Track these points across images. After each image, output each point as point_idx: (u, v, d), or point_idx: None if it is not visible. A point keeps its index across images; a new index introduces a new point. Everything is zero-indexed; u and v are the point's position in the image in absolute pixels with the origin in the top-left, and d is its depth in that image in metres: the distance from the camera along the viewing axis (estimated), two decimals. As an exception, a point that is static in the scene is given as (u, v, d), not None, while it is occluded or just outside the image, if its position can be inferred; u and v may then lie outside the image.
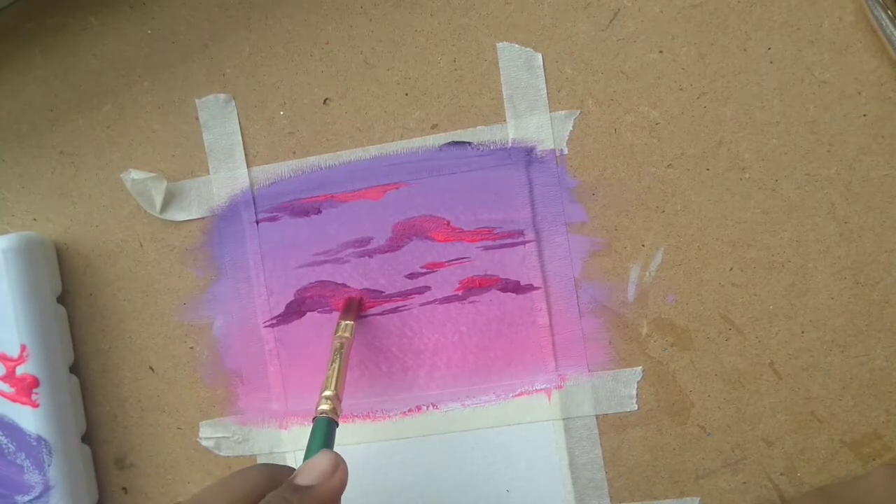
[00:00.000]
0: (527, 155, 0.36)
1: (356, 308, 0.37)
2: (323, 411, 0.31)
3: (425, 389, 0.37)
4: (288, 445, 0.39)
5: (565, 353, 0.36)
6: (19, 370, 0.37)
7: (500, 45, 0.36)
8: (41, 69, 0.40)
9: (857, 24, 0.33)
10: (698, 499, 0.36)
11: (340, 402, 0.31)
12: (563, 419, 0.36)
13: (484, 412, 0.37)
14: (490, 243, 0.36)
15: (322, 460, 0.28)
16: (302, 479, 0.27)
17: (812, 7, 0.33)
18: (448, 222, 0.37)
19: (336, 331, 0.35)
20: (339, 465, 0.28)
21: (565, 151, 0.36)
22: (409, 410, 0.38)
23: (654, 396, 0.36)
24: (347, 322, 0.35)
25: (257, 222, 0.38)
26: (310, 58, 0.37)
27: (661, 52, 0.35)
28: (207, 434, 0.39)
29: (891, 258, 0.34)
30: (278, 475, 0.28)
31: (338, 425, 0.31)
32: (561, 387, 0.36)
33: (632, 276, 0.36)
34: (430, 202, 0.37)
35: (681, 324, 0.35)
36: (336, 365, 0.32)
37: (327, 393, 0.31)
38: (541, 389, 0.36)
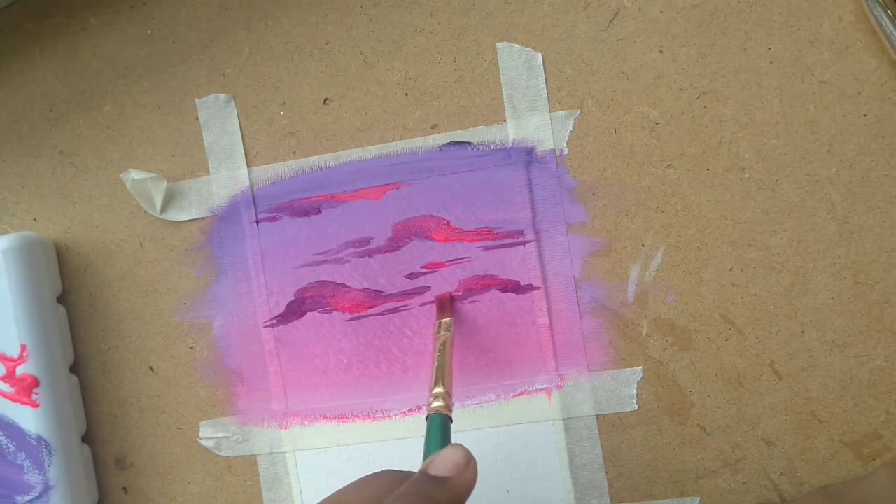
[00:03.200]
0: (527, 155, 0.36)
1: (449, 304, 0.36)
2: (436, 408, 0.30)
3: (425, 389, 0.37)
4: (288, 445, 0.39)
5: (565, 353, 0.36)
6: (19, 370, 0.37)
7: (500, 45, 0.36)
8: (41, 69, 0.40)
9: (857, 24, 0.33)
10: (698, 499, 0.36)
11: (451, 397, 0.31)
12: (563, 419, 0.36)
13: (484, 412, 0.37)
14: (490, 243, 0.36)
15: (454, 453, 0.27)
16: (435, 470, 0.26)
17: (812, 7, 0.33)
18: (448, 222, 0.37)
19: (436, 331, 0.35)
20: (472, 460, 0.26)
21: (565, 151, 0.36)
22: (409, 410, 0.38)
23: (654, 396, 0.36)
24: (445, 320, 0.35)
25: (257, 222, 0.38)
26: (310, 58, 0.37)
27: (661, 52, 0.35)
28: (207, 434, 0.39)
29: (891, 258, 0.34)
30: (406, 478, 0.27)
31: (451, 421, 0.30)
32: (561, 387, 0.36)
33: (632, 276, 0.36)
34: (430, 202, 0.37)
35: (681, 324, 0.35)
36: (441, 362, 0.32)
37: (437, 390, 0.31)
38: (541, 389, 0.36)
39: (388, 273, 0.37)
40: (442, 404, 0.30)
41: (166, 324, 0.39)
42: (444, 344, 0.33)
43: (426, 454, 0.28)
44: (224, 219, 0.39)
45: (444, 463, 0.26)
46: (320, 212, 0.38)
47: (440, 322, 0.35)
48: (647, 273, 0.35)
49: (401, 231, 0.37)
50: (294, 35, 0.37)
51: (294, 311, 0.38)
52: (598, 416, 0.36)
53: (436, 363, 0.32)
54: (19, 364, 0.37)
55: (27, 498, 0.38)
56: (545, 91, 0.35)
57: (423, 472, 0.26)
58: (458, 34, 0.36)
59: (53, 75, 0.39)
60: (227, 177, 0.38)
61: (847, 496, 0.33)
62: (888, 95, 0.33)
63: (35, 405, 0.37)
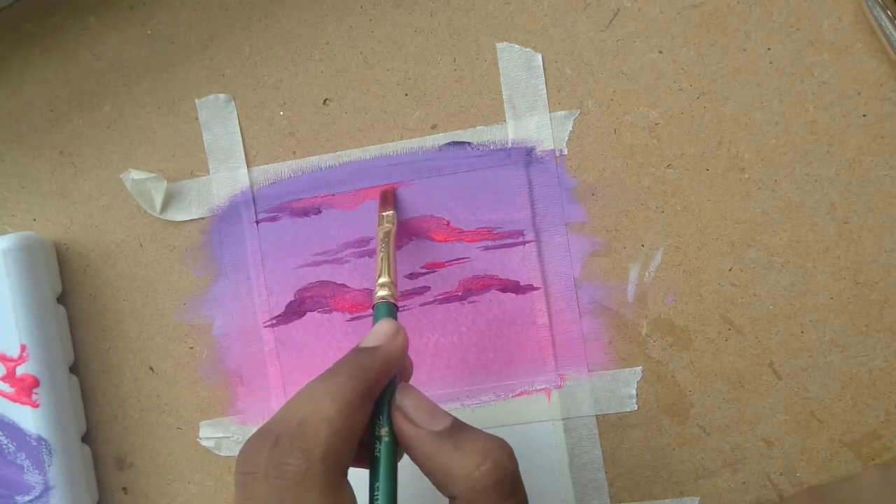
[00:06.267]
0: (527, 155, 0.36)
1: (391, 197, 0.37)
2: (382, 297, 0.31)
3: (425, 389, 0.37)
4: (288, 445, 0.39)
5: (565, 353, 0.36)
6: (19, 370, 0.37)
7: (500, 45, 0.36)
8: (41, 69, 0.40)
9: (856, 24, 0.33)
10: (698, 499, 0.36)
11: (396, 287, 0.32)
12: (563, 419, 0.36)
13: (484, 412, 0.37)
14: (490, 243, 0.36)
15: (383, 325, 0.30)
16: (367, 343, 0.29)
17: (812, 7, 0.33)
18: (448, 222, 0.37)
19: (379, 223, 0.35)
20: (400, 329, 0.30)
21: (565, 152, 0.36)
22: (409, 410, 0.38)
23: (654, 396, 0.36)
24: (387, 213, 0.35)
25: (257, 222, 0.38)
26: (310, 58, 0.37)
27: (660, 52, 0.35)
28: (207, 434, 0.39)
29: (890, 258, 0.34)
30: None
31: (398, 308, 0.32)
32: (561, 387, 0.36)
33: (631, 276, 0.36)
34: (430, 202, 0.37)
35: (680, 324, 0.35)
36: (384, 254, 0.33)
37: (383, 280, 0.32)
38: (540, 389, 0.36)
39: (387, 273, 0.37)
40: (387, 293, 0.31)
41: (166, 324, 0.39)
42: (387, 234, 0.34)
43: None
44: (224, 219, 0.39)
45: (375, 335, 0.29)
46: (320, 212, 0.38)
47: (382, 215, 0.35)
48: (647, 273, 0.35)
49: (401, 231, 0.37)
50: (294, 35, 0.37)
51: (294, 311, 0.38)
52: (597, 416, 0.36)
53: (380, 254, 0.33)
54: (19, 364, 0.37)
55: (27, 498, 0.38)
56: (545, 91, 0.35)
57: (356, 348, 0.29)
58: (458, 34, 0.36)
59: (53, 75, 0.39)
60: (227, 177, 0.38)
61: (834, 496, 0.33)
62: (888, 95, 0.33)
63: (35, 405, 0.37)
